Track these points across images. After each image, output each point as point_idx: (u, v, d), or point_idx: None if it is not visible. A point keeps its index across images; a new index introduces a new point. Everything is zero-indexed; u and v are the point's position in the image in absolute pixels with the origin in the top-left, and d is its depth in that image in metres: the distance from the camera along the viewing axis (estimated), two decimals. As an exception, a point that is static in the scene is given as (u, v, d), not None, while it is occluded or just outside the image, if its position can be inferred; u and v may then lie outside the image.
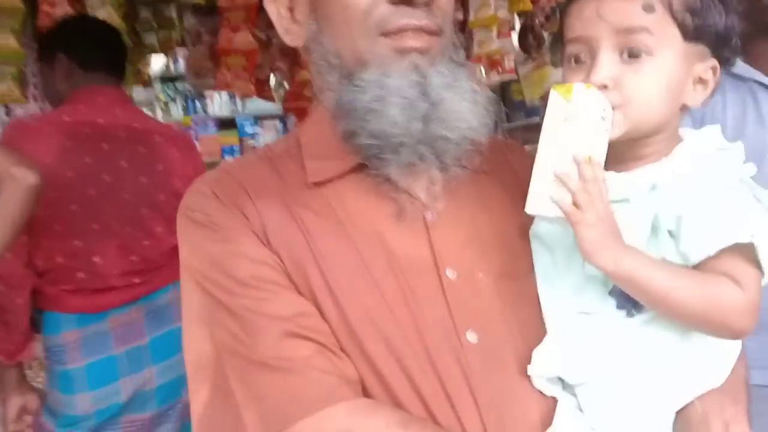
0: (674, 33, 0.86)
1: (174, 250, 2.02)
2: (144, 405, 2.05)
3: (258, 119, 5.97)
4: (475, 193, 0.95)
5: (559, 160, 0.83)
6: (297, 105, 2.91)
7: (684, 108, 0.92)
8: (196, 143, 5.74)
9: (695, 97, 0.91)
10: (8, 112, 2.70)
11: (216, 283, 0.88)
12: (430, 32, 0.87)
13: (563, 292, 0.92)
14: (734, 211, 0.82)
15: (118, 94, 2.14)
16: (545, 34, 3.64)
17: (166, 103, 6.21)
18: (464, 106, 0.88)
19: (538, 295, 0.94)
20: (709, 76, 0.90)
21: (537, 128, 0.88)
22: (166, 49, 3.31)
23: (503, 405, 0.87)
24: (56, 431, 1.96)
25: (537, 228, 0.95)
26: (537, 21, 3.63)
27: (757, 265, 0.81)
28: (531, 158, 0.86)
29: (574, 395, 0.91)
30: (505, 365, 0.89)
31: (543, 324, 0.93)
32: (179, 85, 6.09)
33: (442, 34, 0.90)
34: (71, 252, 1.96)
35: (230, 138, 5.96)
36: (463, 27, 3.15)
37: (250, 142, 5.95)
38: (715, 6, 0.87)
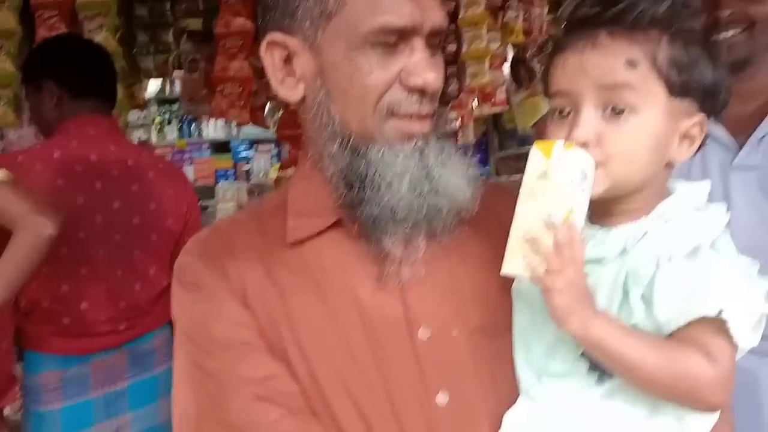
0: (659, 89, 0.84)
1: (162, 294, 2.03)
2: None
3: (253, 143, 5.99)
4: (456, 244, 0.95)
5: (536, 220, 0.81)
6: (291, 133, 2.92)
7: (670, 164, 0.89)
8: (191, 167, 5.80)
9: (681, 153, 0.88)
10: (2, 136, 2.71)
11: (197, 343, 0.91)
12: (430, 116, 0.92)
13: (537, 352, 0.90)
14: (703, 280, 0.79)
15: (109, 124, 2.08)
16: (537, 66, 3.68)
17: (161, 125, 6.22)
18: (457, 180, 0.91)
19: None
20: (696, 131, 0.88)
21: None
22: (162, 73, 3.32)
23: None
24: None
25: (519, 284, 0.93)
26: (529, 53, 3.68)
27: (730, 336, 0.78)
28: None
29: None
30: (476, 428, 0.89)
31: (517, 384, 0.92)
32: (175, 107, 6.11)
33: (435, 114, 0.93)
34: (58, 296, 1.91)
35: (225, 162, 5.98)
36: (455, 59, 3.19)
37: (245, 166, 5.97)
38: (702, 60, 0.86)
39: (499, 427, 0.88)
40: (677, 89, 0.85)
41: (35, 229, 1.67)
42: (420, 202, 0.89)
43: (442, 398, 0.88)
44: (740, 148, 1.55)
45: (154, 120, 6.16)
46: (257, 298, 0.91)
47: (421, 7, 0.87)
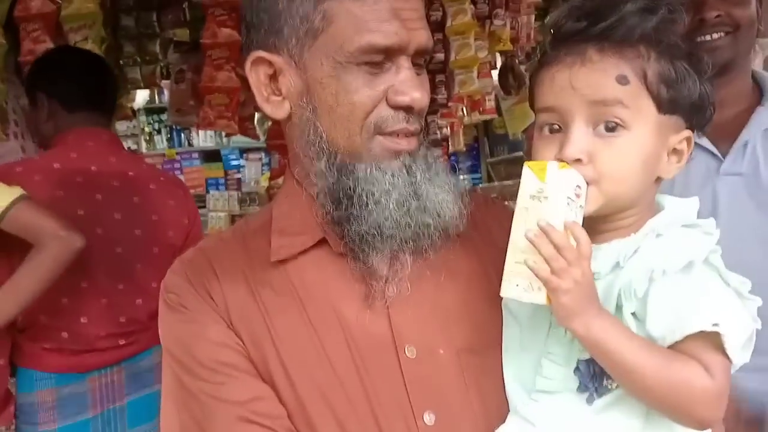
0: (649, 105, 0.84)
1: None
2: None
3: (243, 152, 5.98)
4: (444, 261, 0.95)
5: (534, 230, 0.80)
6: (281, 143, 2.90)
7: (658, 180, 0.89)
8: (181, 176, 5.77)
9: (670, 168, 0.89)
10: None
11: (182, 364, 0.91)
12: (417, 134, 0.92)
13: (527, 368, 0.89)
14: (698, 295, 0.79)
15: (108, 137, 2.07)
16: (525, 74, 3.69)
17: (150, 135, 6.20)
18: (444, 197, 0.91)
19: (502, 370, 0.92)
20: (683, 146, 0.88)
21: (520, 162, 0.87)
22: (149, 83, 3.31)
23: None
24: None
25: (508, 299, 0.92)
26: (517, 61, 3.69)
27: (725, 352, 0.78)
28: (510, 214, 0.85)
29: None
30: None
31: (507, 401, 0.91)
32: (164, 116, 6.09)
33: (421, 132, 0.93)
34: (56, 310, 1.87)
35: (215, 171, 5.96)
36: (444, 67, 3.19)
37: (236, 175, 5.96)
38: (689, 75, 0.85)
39: None
40: (666, 105, 0.85)
41: (68, 242, 1.70)
42: (407, 219, 0.89)
43: (428, 419, 0.87)
44: (723, 155, 1.55)
45: (143, 130, 6.14)
46: (241, 319, 0.91)
47: (406, 27, 0.87)
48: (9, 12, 2.19)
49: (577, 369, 0.85)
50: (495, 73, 3.92)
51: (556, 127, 0.86)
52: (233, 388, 0.88)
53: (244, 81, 0.98)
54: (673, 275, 0.80)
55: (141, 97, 5.42)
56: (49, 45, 2.27)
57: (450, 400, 0.89)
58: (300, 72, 0.90)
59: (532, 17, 3.67)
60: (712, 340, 0.78)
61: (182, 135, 6.15)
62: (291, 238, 0.94)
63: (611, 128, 0.83)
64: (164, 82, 3.63)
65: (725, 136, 1.54)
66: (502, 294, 0.83)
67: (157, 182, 2.11)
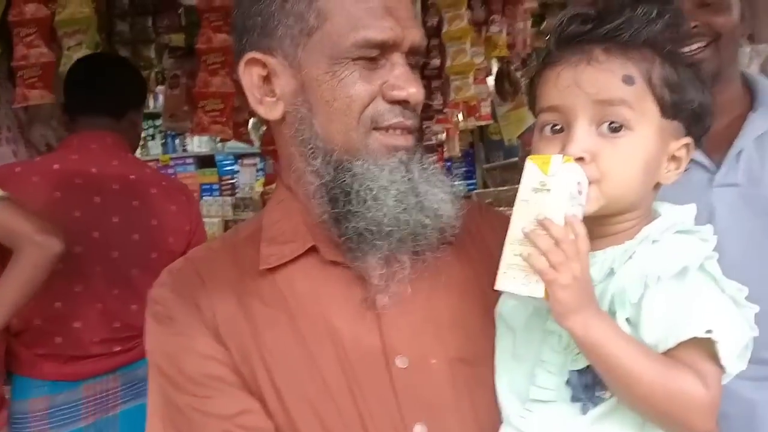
0: (653, 108, 0.84)
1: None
2: None
3: (238, 157, 5.96)
4: (436, 269, 0.93)
5: (533, 223, 0.79)
6: (276, 148, 2.90)
7: (657, 186, 0.89)
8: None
9: (669, 175, 0.89)
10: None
11: (168, 378, 0.89)
12: (413, 131, 0.92)
13: (520, 377, 0.88)
14: (692, 302, 0.78)
15: (112, 140, 2.03)
16: (521, 80, 3.69)
17: (144, 140, 6.17)
18: (442, 196, 0.91)
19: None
20: (682, 153, 0.88)
21: (515, 168, 0.87)
22: (144, 89, 3.30)
23: None
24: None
25: (501, 307, 0.92)
26: (513, 67, 3.69)
27: (718, 360, 0.77)
28: (507, 221, 0.84)
29: None
30: None
31: (499, 412, 0.90)
32: (158, 121, 6.06)
33: (418, 131, 0.94)
34: (50, 315, 1.85)
35: (210, 176, 5.93)
36: (440, 73, 3.19)
37: (230, 180, 5.93)
38: (692, 82, 0.86)
39: None
40: (669, 110, 0.85)
41: (43, 247, 1.64)
42: (406, 216, 0.88)
43: (420, 430, 0.86)
44: (717, 165, 1.51)
45: (137, 135, 6.10)
46: (229, 331, 0.89)
47: (401, 24, 0.88)
48: (3, 17, 2.17)
49: (569, 380, 0.84)
50: (491, 79, 3.92)
51: (558, 127, 0.86)
52: (220, 402, 0.87)
53: (239, 86, 0.98)
54: (668, 281, 0.79)
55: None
56: (43, 50, 2.26)
57: (442, 411, 0.88)
58: (295, 71, 0.90)
59: (529, 23, 3.67)
60: (706, 347, 0.77)
61: (176, 140, 6.12)
62: (281, 246, 0.93)
63: (615, 129, 0.83)
64: (159, 88, 3.61)
65: (717, 147, 1.50)
66: (498, 287, 0.81)
67: (159, 187, 2.09)
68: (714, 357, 0.77)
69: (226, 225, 5.41)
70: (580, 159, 0.82)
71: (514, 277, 0.80)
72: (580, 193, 0.81)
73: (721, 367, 0.78)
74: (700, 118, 0.88)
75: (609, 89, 0.83)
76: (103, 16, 2.68)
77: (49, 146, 2.49)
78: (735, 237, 1.43)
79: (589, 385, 0.83)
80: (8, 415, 1.89)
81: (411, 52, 0.91)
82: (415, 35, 0.90)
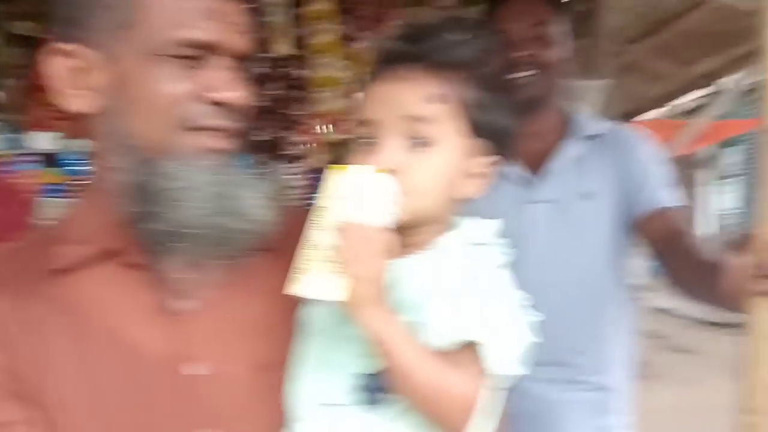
0: (457, 126, 0.89)
1: None
2: None
3: (87, 155, 5.58)
4: (245, 274, 0.92)
5: (331, 230, 0.82)
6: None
7: (459, 200, 0.93)
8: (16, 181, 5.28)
9: (471, 190, 0.93)
10: None
11: None
12: (230, 134, 0.89)
13: (312, 380, 0.89)
14: (471, 309, 0.83)
15: None
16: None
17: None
18: (255, 203, 0.88)
19: None
20: (487, 171, 0.93)
21: None
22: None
23: None
24: None
25: (302, 312, 0.93)
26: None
27: (486, 364, 0.83)
28: None
29: None
30: None
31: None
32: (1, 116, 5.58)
33: (239, 135, 0.91)
34: None
35: (54, 176, 5.51)
36: (304, 85, 3.16)
37: (77, 180, 5.55)
38: (499, 104, 0.91)
39: None
40: (474, 129, 0.89)
41: None
42: (210, 220, 0.85)
43: None
44: (534, 183, 1.68)
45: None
46: (6, 338, 0.82)
47: (225, 28, 0.86)
48: None
49: (360, 384, 0.86)
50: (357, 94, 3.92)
51: (372, 140, 0.89)
52: None
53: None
54: (454, 289, 0.84)
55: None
56: None
57: (235, 419, 0.86)
58: (109, 65, 0.85)
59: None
60: (479, 352, 0.83)
61: (20, 136, 5.64)
62: (75, 246, 0.87)
63: (419, 144, 0.87)
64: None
65: (536, 166, 1.68)
66: (289, 290, 0.82)
67: None
68: (483, 360, 0.83)
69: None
70: (386, 170, 0.85)
71: (307, 281, 0.82)
72: (382, 203, 0.83)
73: (488, 370, 0.83)
74: (505, 138, 0.93)
75: (415, 106, 0.87)
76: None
77: None
78: (546, 248, 1.61)
79: (379, 388, 0.86)
80: None
81: (235, 56, 0.89)
82: (239, 40, 0.89)
